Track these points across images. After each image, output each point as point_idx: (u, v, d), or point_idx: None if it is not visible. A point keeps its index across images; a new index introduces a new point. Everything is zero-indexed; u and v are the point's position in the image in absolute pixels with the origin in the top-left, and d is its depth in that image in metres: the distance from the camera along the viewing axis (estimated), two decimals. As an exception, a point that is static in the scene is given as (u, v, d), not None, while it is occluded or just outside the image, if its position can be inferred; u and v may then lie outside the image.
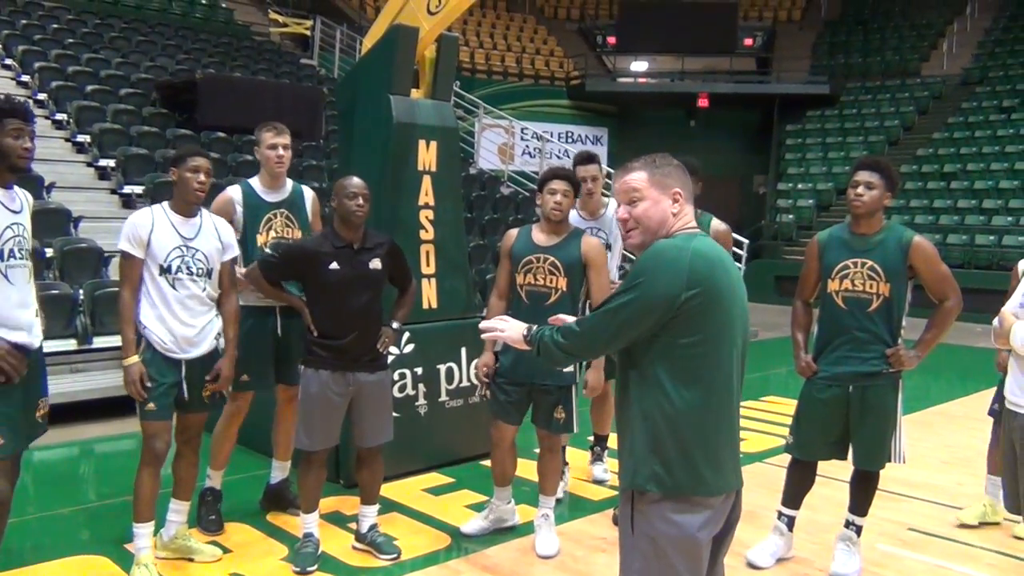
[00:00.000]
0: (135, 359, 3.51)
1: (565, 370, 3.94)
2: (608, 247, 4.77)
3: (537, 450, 4.19)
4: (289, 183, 4.33)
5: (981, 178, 16.82)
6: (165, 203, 3.70)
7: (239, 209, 4.16)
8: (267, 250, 4.13)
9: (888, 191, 3.66)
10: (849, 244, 3.74)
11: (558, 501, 4.71)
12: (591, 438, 5.32)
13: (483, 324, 2.61)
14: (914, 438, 6.32)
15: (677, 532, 2.20)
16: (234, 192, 4.20)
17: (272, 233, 4.20)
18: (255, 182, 4.27)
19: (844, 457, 3.85)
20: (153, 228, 3.56)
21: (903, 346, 3.67)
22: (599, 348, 2.37)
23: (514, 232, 4.12)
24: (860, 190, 3.65)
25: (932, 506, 4.86)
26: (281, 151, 4.17)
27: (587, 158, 4.80)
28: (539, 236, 4.01)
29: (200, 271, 3.63)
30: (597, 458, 5.25)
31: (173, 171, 3.67)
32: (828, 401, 3.74)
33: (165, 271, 3.56)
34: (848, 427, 3.75)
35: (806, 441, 3.86)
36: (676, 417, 2.19)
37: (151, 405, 3.54)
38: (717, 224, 4.25)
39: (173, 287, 3.56)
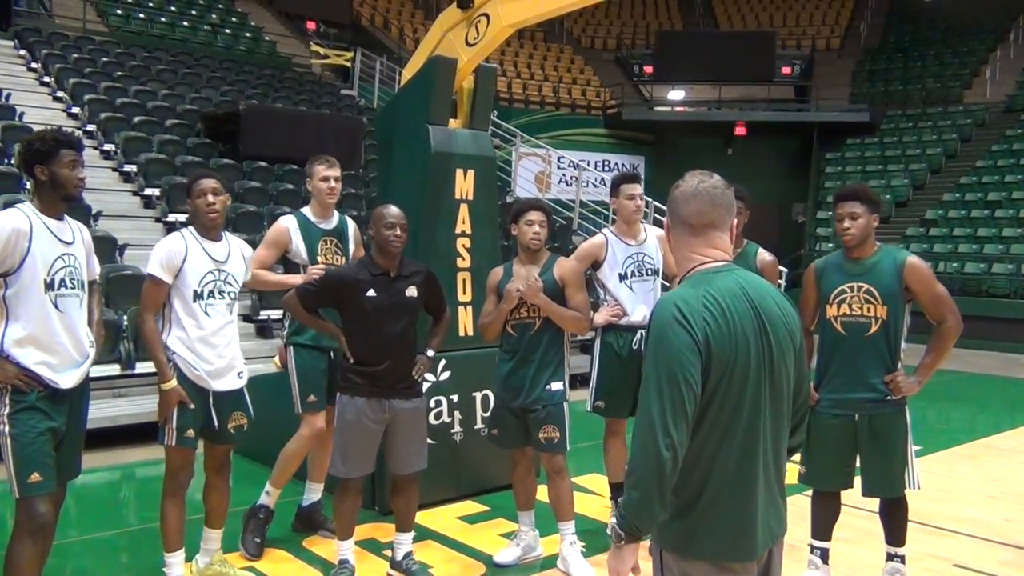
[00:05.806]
0: (175, 383, 3.51)
1: (554, 388, 3.96)
2: (656, 272, 4.61)
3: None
4: (336, 213, 4.49)
5: (1027, 206, 16.51)
6: (191, 228, 3.71)
7: (295, 238, 4.29)
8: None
9: (873, 214, 3.67)
10: (844, 269, 3.74)
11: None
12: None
13: None
14: (960, 472, 6.20)
15: None
16: (289, 222, 4.35)
17: (320, 258, 4.31)
18: (307, 211, 4.42)
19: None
20: (187, 255, 3.59)
21: (902, 371, 3.63)
22: (658, 444, 1.89)
23: (499, 270, 4.18)
24: (846, 223, 3.67)
25: (979, 542, 4.72)
26: (333, 183, 4.35)
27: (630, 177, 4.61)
28: (520, 269, 4.06)
29: (232, 294, 3.69)
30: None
31: (188, 203, 3.73)
32: (836, 429, 3.69)
33: (199, 296, 3.58)
34: (857, 455, 3.70)
35: (819, 470, 3.80)
36: (685, 469, 1.95)
37: (189, 432, 3.56)
38: (763, 255, 4.24)
39: (207, 313, 3.59)
